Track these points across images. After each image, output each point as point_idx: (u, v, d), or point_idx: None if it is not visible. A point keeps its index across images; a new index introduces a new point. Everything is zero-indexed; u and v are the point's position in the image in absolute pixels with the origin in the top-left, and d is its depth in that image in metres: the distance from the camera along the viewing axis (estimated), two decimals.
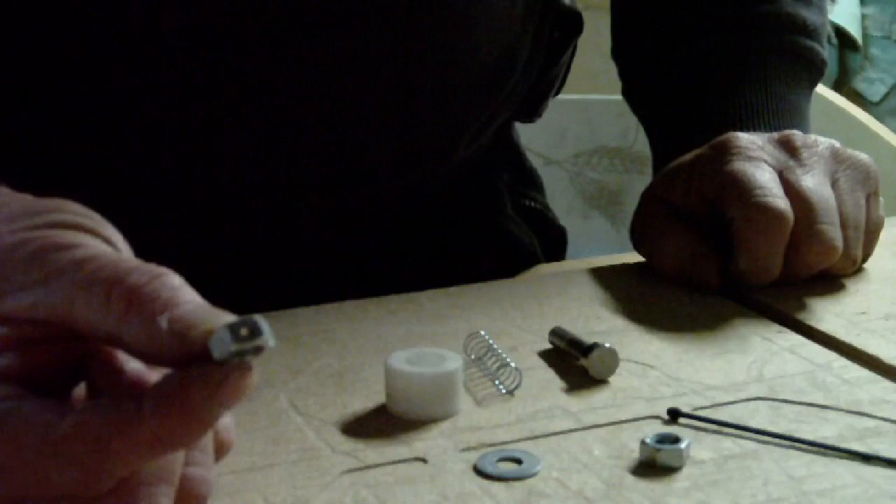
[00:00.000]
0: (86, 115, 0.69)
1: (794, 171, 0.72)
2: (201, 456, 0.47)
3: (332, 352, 0.65)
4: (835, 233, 0.70)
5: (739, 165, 0.72)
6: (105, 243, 0.48)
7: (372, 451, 0.55)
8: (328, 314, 0.70)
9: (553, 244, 0.93)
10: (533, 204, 0.93)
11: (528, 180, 0.95)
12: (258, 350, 0.42)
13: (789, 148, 0.74)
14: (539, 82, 0.85)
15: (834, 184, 0.73)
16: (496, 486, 0.52)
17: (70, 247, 0.47)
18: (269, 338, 0.43)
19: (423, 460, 0.54)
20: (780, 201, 0.70)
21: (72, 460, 0.43)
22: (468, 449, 0.55)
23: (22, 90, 0.68)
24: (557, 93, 0.90)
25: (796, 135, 0.75)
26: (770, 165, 0.73)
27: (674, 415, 0.57)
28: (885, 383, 0.61)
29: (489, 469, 0.53)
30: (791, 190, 0.71)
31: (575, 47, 0.89)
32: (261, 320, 0.43)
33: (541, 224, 0.93)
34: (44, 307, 0.46)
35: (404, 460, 0.54)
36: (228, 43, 0.68)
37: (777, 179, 0.72)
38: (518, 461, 0.54)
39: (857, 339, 0.66)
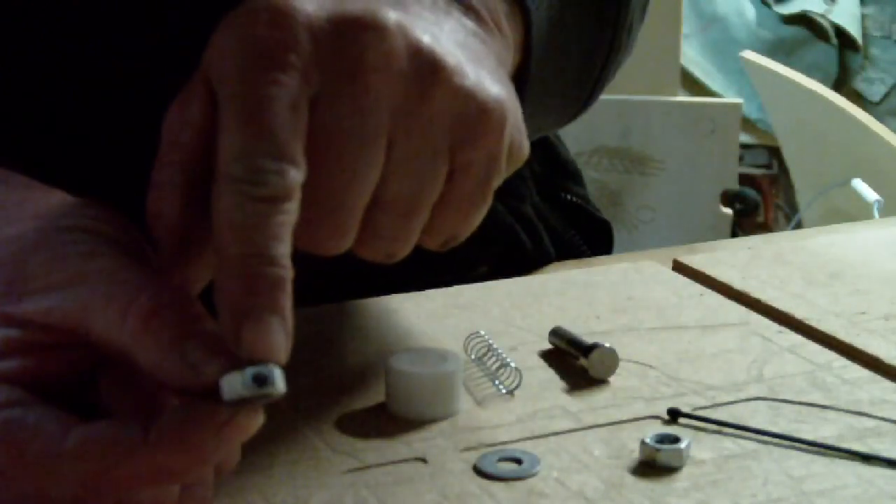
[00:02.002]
0: (85, 115, 0.69)
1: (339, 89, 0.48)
2: (199, 488, 0.47)
3: (332, 352, 0.65)
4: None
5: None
6: (127, 255, 0.48)
7: (372, 451, 0.55)
8: (328, 314, 0.70)
9: (596, 237, 0.90)
10: (570, 197, 0.91)
11: (564, 172, 0.92)
12: (267, 398, 0.43)
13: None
14: None
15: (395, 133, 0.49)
16: (496, 486, 0.52)
17: (92, 254, 0.47)
18: (280, 388, 0.43)
19: (423, 460, 0.54)
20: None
21: (72, 478, 0.43)
22: (468, 449, 0.55)
23: (20, 91, 0.68)
24: None
25: None
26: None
27: (674, 415, 0.57)
28: (885, 383, 0.61)
29: (489, 469, 0.53)
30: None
31: None
32: (274, 370, 0.43)
33: (581, 217, 0.91)
34: (60, 313, 0.46)
35: (404, 460, 0.54)
36: None
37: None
38: (518, 461, 0.54)
39: (857, 339, 0.66)
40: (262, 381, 0.43)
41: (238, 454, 0.47)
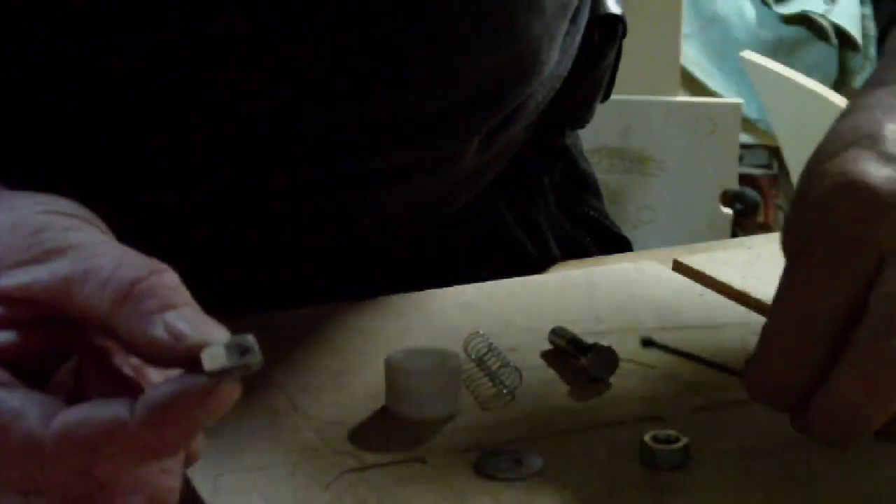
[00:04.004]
0: (86, 115, 0.69)
1: None
2: (173, 465, 0.47)
3: (332, 352, 0.65)
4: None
5: None
6: (104, 234, 0.49)
7: (372, 451, 0.55)
8: (328, 314, 0.70)
9: (612, 253, 0.89)
10: (589, 210, 0.91)
11: (583, 185, 0.92)
12: (246, 369, 0.43)
13: None
14: (576, 88, 0.84)
15: None
16: (496, 486, 0.52)
17: (71, 229, 0.47)
18: (259, 358, 0.43)
19: (423, 460, 0.54)
20: None
21: (59, 461, 0.43)
22: (468, 449, 0.55)
23: (21, 91, 0.68)
24: (606, 98, 0.89)
25: None
26: None
27: (647, 343, 0.56)
28: None
29: (489, 469, 0.53)
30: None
31: (620, 51, 0.88)
32: (253, 341, 0.43)
33: (597, 231, 0.90)
34: (39, 286, 0.46)
35: (404, 460, 0.54)
36: (231, 47, 0.68)
37: None
38: (518, 461, 0.54)
39: None
40: (243, 350, 0.43)
41: (201, 449, 0.48)
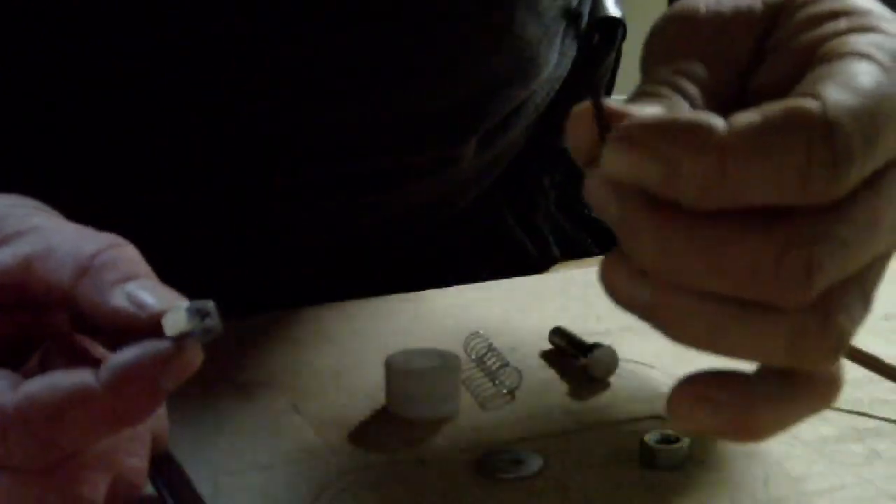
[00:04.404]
0: (86, 115, 0.69)
1: None
2: (139, 447, 0.47)
3: (332, 352, 0.65)
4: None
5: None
6: (66, 220, 0.49)
7: (372, 451, 0.55)
8: (328, 314, 0.70)
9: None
10: (587, 210, 0.91)
11: (581, 185, 0.92)
12: (207, 333, 0.44)
13: None
14: (576, 89, 0.84)
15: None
16: (496, 486, 0.52)
17: (30, 215, 0.48)
18: (218, 321, 0.44)
19: (423, 460, 0.54)
20: None
21: (24, 433, 0.43)
22: (468, 449, 0.55)
23: (20, 91, 0.68)
24: (606, 95, 0.89)
25: None
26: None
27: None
28: (885, 383, 0.61)
29: (489, 469, 0.53)
30: None
31: (620, 53, 0.88)
32: (212, 306, 0.44)
33: (597, 231, 0.90)
34: (2, 267, 0.46)
35: (404, 460, 0.54)
36: (231, 47, 0.68)
37: None
38: (518, 461, 0.54)
39: (857, 339, 0.66)
40: (203, 315, 0.44)
41: (166, 426, 0.48)
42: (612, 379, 0.61)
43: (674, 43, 0.47)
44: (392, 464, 0.54)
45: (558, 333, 0.65)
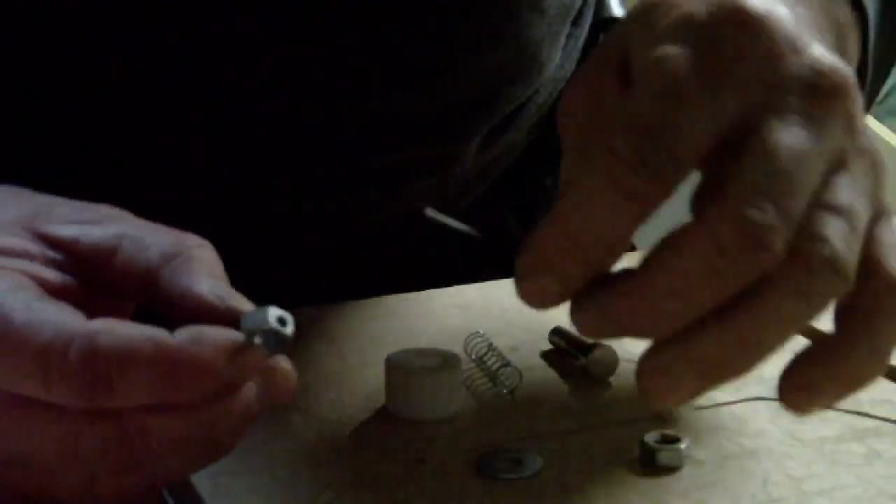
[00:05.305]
0: (86, 115, 0.69)
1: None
2: (183, 456, 0.47)
3: (332, 352, 0.65)
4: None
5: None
6: None
7: (372, 451, 0.55)
8: (328, 314, 0.70)
9: None
10: None
11: None
12: (279, 336, 0.45)
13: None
14: None
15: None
16: (496, 486, 0.52)
17: (116, 209, 0.51)
18: (292, 330, 0.46)
19: (423, 460, 0.54)
20: None
21: (86, 360, 0.43)
22: (468, 449, 0.55)
23: (20, 91, 0.68)
24: None
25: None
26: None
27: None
28: (885, 383, 0.61)
29: (489, 469, 0.53)
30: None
31: None
32: (291, 317, 0.46)
33: None
34: (88, 241, 0.48)
35: (404, 460, 0.54)
36: (231, 47, 0.68)
37: None
38: (518, 461, 0.54)
39: None
40: (282, 321, 0.45)
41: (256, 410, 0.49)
42: (612, 379, 0.61)
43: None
44: (392, 464, 0.54)
45: (558, 333, 0.65)
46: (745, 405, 0.59)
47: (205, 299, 0.46)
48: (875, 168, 0.46)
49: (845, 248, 0.43)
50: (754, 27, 0.45)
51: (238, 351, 0.45)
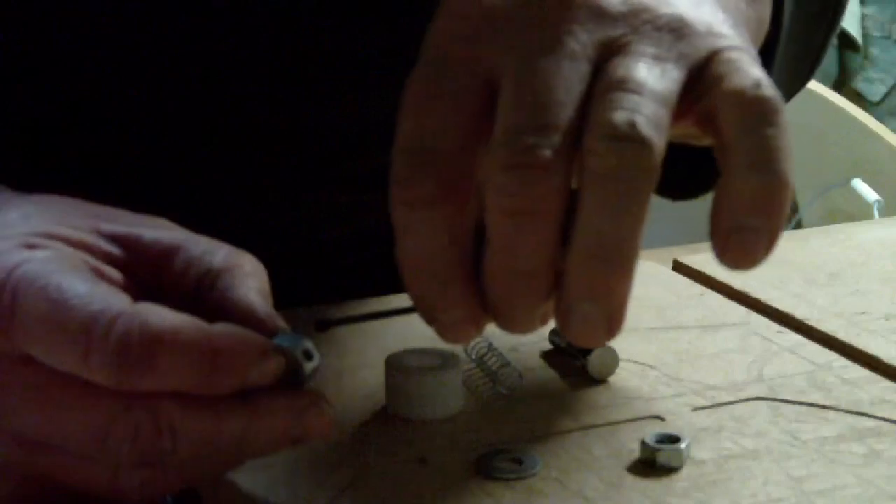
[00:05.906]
0: (85, 116, 0.69)
1: None
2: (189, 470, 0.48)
3: (332, 352, 0.65)
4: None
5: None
6: None
7: (372, 452, 0.55)
8: (328, 314, 0.70)
9: None
10: None
11: None
12: (297, 365, 0.48)
13: None
14: None
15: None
16: (496, 486, 0.52)
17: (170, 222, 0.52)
18: (316, 365, 0.49)
19: (423, 460, 0.54)
20: None
21: (122, 339, 0.44)
22: (468, 449, 0.55)
23: (20, 92, 0.68)
24: None
25: None
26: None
27: (321, 326, 0.56)
28: (885, 383, 0.61)
29: (489, 469, 0.53)
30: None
31: None
32: (319, 357, 0.49)
33: None
34: (151, 237, 0.50)
35: (404, 460, 0.54)
36: (231, 47, 0.68)
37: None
38: (518, 461, 0.54)
39: (857, 339, 0.66)
40: (307, 354, 0.48)
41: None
42: (612, 379, 0.61)
43: None
44: (392, 464, 0.54)
45: (558, 333, 0.65)
46: (745, 405, 0.59)
47: (254, 309, 0.48)
48: (669, 27, 0.44)
49: (625, 115, 0.42)
50: None
51: (266, 354, 0.46)
